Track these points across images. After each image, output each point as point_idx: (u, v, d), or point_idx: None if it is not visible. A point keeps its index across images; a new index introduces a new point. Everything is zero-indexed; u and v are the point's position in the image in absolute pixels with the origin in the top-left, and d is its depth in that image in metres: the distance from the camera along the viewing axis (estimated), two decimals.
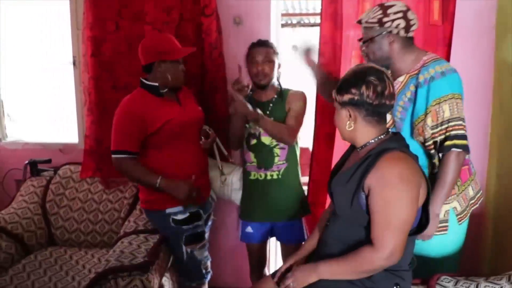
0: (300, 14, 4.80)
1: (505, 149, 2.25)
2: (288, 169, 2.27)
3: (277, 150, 2.25)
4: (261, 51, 2.21)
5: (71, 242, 2.57)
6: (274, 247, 2.88)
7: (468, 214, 1.90)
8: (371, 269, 1.42)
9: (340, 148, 2.43)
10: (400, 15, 1.76)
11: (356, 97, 1.45)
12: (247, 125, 2.28)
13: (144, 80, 2.09)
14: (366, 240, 1.43)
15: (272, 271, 2.73)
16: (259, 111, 2.15)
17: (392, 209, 1.37)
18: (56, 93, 3.21)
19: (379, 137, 1.50)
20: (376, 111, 1.47)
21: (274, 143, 2.24)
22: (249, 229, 2.37)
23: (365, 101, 1.44)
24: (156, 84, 2.06)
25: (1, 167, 2.99)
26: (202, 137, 2.20)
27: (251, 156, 2.29)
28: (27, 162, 2.75)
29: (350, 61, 2.40)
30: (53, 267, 2.32)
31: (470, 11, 2.32)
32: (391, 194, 1.38)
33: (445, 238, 1.86)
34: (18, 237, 2.42)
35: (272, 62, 2.21)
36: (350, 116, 1.49)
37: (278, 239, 2.42)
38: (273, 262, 2.92)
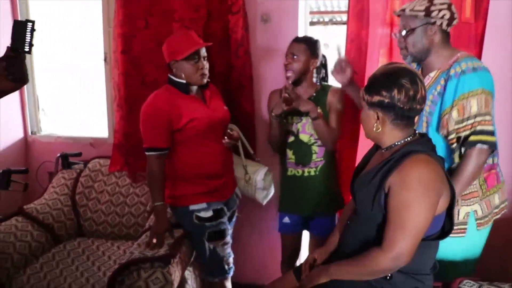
0: (329, 12, 4.77)
1: None
2: (325, 166, 2.27)
3: (315, 148, 2.24)
4: (292, 46, 2.22)
5: (98, 233, 2.64)
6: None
7: (490, 222, 1.84)
8: (377, 270, 1.40)
9: (364, 144, 2.40)
10: (445, 6, 1.75)
11: (386, 100, 1.41)
12: (284, 121, 2.28)
13: (172, 77, 2.11)
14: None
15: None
16: (319, 110, 2.15)
17: (407, 212, 1.34)
18: (88, 89, 3.30)
19: (406, 139, 1.47)
20: (406, 115, 1.43)
21: (312, 140, 2.24)
22: (286, 220, 2.39)
23: (396, 105, 1.40)
24: (184, 81, 2.08)
25: (36, 159, 3.11)
26: (225, 137, 2.21)
27: (289, 153, 2.30)
28: (59, 155, 2.83)
29: (377, 60, 2.37)
30: (81, 257, 2.40)
31: (504, 9, 2.24)
32: (408, 197, 1.35)
33: (462, 241, 1.81)
34: (49, 227, 2.50)
35: (298, 58, 2.18)
36: (377, 118, 1.45)
37: (309, 231, 2.44)
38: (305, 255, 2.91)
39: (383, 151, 1.52)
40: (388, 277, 1.42)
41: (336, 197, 2.36)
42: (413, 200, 1.34)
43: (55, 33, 3.17)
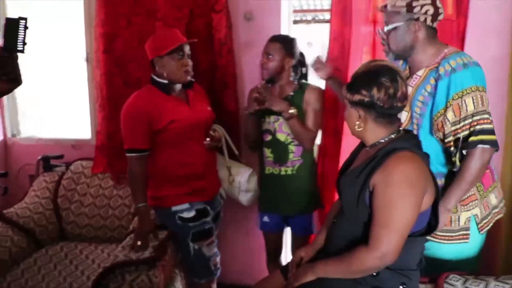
0: (312, 11, 4.77)
1: None
2: (303, 165, 2.27)
3: (292, 147, 2.25)
4: (267, 45, 2.24)
5: (81, 237, 2.59)
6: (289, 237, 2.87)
7: (491, 224, 1.81)
8: (364, 269, 1.40)
9: (348, 143, 2.40)
10: (429, 1, 1.71)
11: (366, 99, 1.40)
12: (261, 119, 2.29)
13: (154, 77, 2.09)
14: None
15: (287, 259, 2.75)
16: (292, 110, 2.15)
17: (392, 210, 1.34)
18: (69, 90, 3.24)
19: (390, 137, 1.47)
20: (387, 113, 1.43)
21: (289, 139, 2.24)
22: (266, 219, 2.41)
23: (375, 103, 1.40)
24: (166, 81, 2.06)
25: (15, 162, 3.04)
26: (207, 138, 2.19)
27: (267, 152, 2.30)
28: (40, 157, 2.78)
29: (361, 58, 2.37)
30: (64, 261, 2.35)
31: (485, 6, 2.26)
32: (393, 195, 1.34)
33: (466, 246, 1.78)
34: (30, 231, 2.45)
35: (272, 57, 2.20)
36: (359, 116, 1.45)
37: (291, 229, 2.46)
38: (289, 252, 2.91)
39: (367, 149, 1.51)
40: (374, 274, 1.42)
41: (313, 196, 2.37)
42: (397, 198, 1.34)
43: (35, 32, 3.10)
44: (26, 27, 1.20)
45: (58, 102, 3.31)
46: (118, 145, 2.54)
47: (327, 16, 5.72)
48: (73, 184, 2.67)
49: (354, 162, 1.60)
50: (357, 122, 1.46)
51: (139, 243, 1.99)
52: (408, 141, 1.45)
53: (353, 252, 1.41)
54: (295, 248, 2.41)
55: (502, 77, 2.29)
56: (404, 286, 1.43)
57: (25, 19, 1.19)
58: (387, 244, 1.33)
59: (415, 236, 1.42)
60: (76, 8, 2.80)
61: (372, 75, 1.40)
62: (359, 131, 1.48)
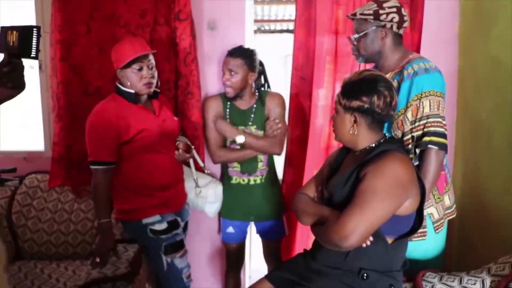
0: (273, 21, 4.83)
1: (470, 150, 2.37)
2: (269, 172, 2.31)
3: (260, 156, 2.29)
4: (228, 61, 2.24)
5: (40, 255, 2.43)
6: (249, 249, 2.88)
7: (445, 224, 1.93)
8: (326, 240, 1.43)
9: (313, 151, 2.47)
10: (394, 9, 1.81)
11: (366, 105, 1.47)
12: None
13: (120, 86, 2.04)
14: None
15: (248, 271, 2.76)
16: (239, 139, 2.20)
17: (372, 197, 1.36)
18: (18, 99, 3.03)
19: (379, 141, 1.53)
20: (382, 120, 1.51)
21: None
22: (230, 230, 2.41)
23: (374, 110, 1.47)
24: (132, 91, 2.01)
25: None
26: (180, 149, 2.16)
27: (233, 162, 2.30)
28: None
29: (324, 67, 2.46)
30: (23, 282, 2.18)
31: (435, 20, 2.44)
32: (379, 185, 1.38)
33: (425, 244, 1.87)
34: None
35: (237, 74, 2.22)
36: (354, 121, 1.50)
37: (260, 236, 2.47)
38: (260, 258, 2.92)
39: (357, 153, 1.56)
40: (364, 277, 1.46)
41: (281, 202, 2.42)
42: (381, 189, 1.37)
43: None
44: (39, 35, 1.20)
45: (5, 113, 3.10)
46: (77, 157, 2.44)
47: (272, 26, 5.87)
48: (28, 199, 2.50)
49: (343, 167, 1.63)
50: (351, 128, 1.51)
51: (97, 259, 1.93)
52: (396, 144, 1.54)
53: (328, 222, 1.44)
54: (267, 252, 2.44)
55: (451, 85, 2.48)
56: (392, 287, 1.48)
57: (38, 27, 1.20)
58: (354, 227, 1.34)
59: (403, 238, 1.48)
60: (26, 14, 2.65)
61: (371, 83, 1.47)
62: (352, 136, 1.52)
